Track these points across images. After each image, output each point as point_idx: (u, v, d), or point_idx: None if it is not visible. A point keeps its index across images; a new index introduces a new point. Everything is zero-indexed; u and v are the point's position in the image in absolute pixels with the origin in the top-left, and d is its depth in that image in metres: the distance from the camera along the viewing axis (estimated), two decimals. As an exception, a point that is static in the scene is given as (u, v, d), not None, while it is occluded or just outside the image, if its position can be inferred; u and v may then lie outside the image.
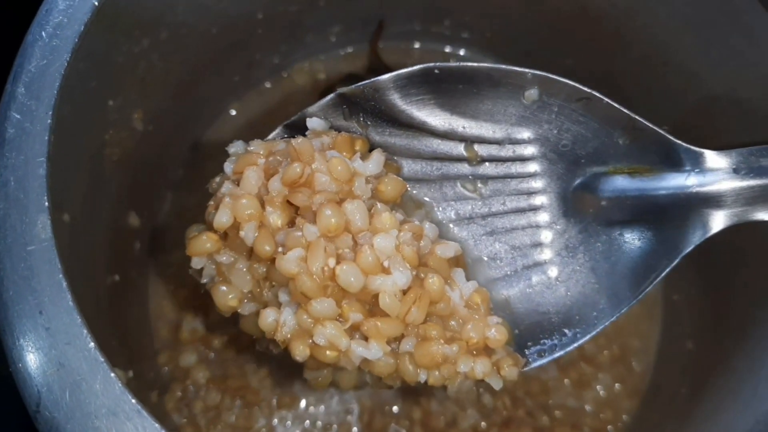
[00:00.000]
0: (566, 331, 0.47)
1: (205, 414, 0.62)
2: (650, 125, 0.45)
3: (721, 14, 0.52)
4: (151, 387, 0.59)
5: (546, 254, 0.48)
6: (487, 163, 0.49)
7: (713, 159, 0.44)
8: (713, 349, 0.58)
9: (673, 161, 0.45)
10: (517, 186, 0.49)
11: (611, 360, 0.64)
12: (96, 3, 0.40)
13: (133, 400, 0.34)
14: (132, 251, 0.61)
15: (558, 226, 0.48)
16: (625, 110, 0.46)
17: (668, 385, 0.61)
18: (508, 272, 0.49)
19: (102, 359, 0.34)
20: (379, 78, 0.46)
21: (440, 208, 0.49)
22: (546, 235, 0.49)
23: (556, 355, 0.47)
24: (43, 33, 0.39)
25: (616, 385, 0.63)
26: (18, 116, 0.37)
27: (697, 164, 0.44)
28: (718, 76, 0.55)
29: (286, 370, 0.64)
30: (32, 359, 0.34)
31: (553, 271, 0.48)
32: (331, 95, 0.47)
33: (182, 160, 0.67)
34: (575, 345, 0.47)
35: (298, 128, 0.47)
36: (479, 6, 0.66)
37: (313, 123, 0.47)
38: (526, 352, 0.47)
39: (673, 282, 0.65)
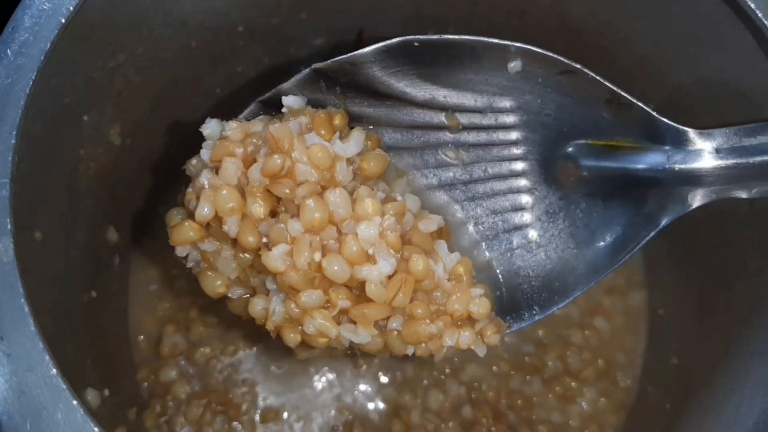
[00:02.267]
0: (545, 294, 0.48)
1: (186, 430, 0.62)
2: (635, 101, 0.45)
3: (700, 28, 0.51)
4: (129, 404, 0.59)
5: (526, 218, 0.49)
6: (468, 131, 0.49)
7: (696, 138, 0.44)
8: (697, 365, 0.58)
9: (655, 138, 0.45)
10: (498, 153, 0.50)
11: (596, 374, 0.63)
12: (63, 20, 0.39)
13: (96, 429, 0.33)
14: (111, 266, 0.61)
15: (538, 192, 0.49)
16: (610, 85, 0.46)
17: (653, 400, 0.60)
18: (490, 235, 0.50)
19: (64, 386, 0.34)
20: (356, 52, 0.45)
21: (422, 175, 0.50)
22: (527, 200, 0.49)
23: (536, 318, 0.48)
24: (9, 51, 0.38)
25: (601, 399, 0.63)
26: (-19, 136, 0.37)
27: (680, 143, 0.44)
28: (700, 90, 0.55)
29: (270, 384, 0.64)
30: (-7, 387, 0.34)
31: (533, 235, 0.49)
32: (306, 70, 0.46)
33: (162, 173, 0.66)
34: (553, 309, 0.48)
35: (273, 105, 0.47)
36: (462, 18, 0.65)
37: (289, 101, 0.46)
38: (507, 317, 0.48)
39: (659, 296, 0.65)
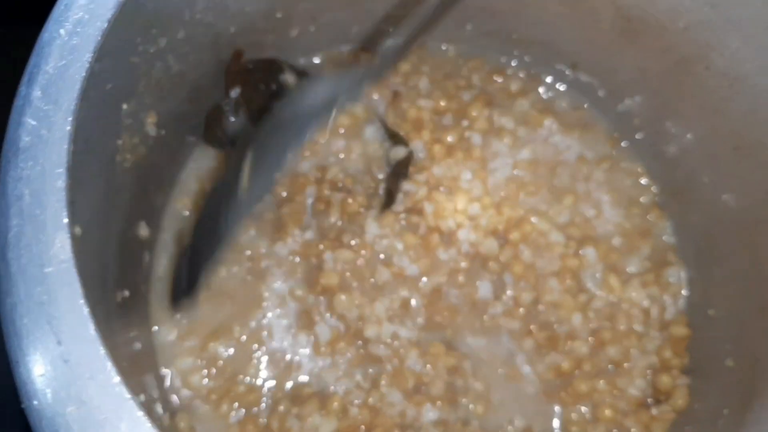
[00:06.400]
0: None
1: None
2: None
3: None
4: (162, 408, 0.56)
5: None
6: None
7: None
8: (756, 367, 0.55)
9: None
10: None
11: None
12: (120, -3, 0.36)
13: (165, 442, 0.30)
14: (142, 264, 0.58)
15: None
16: None
17: (708, 405, 0.58)
18: None
19: (128, 396, 0.31)
20: None
21: None
22: None
23: None
24: (62, 30, 0.35)
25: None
26: (34, 122, 0.34)
27: None
28: (764, 81, 0.52)
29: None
30: (49, 395, 0.31)
31: None
32: None
33: (193, 166, 0.63)
34: None
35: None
36: (510, 6, 0.63)
37: None
38: None
39: (708, 297, 0.63)
